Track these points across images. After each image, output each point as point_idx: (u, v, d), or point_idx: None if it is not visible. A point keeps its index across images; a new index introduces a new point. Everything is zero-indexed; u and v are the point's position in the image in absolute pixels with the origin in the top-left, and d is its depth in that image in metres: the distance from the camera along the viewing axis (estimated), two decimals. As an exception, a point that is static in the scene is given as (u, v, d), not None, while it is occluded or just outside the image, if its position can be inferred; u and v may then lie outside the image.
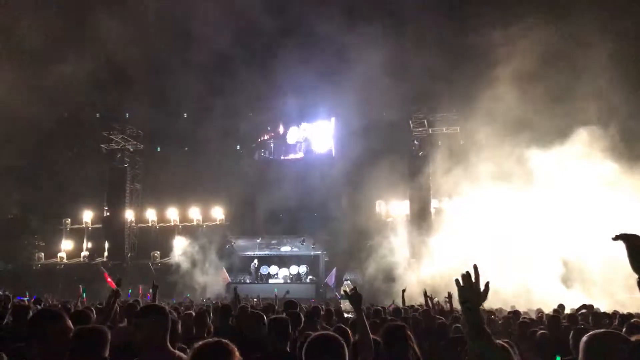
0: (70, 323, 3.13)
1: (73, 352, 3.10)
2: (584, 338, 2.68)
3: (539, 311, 10.89)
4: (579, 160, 19.14)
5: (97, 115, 26.90)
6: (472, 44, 22.70)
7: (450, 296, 9.11)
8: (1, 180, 23.33)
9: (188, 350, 2.65)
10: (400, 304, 10.37)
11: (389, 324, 4.14)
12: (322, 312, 7.41)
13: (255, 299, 18.37)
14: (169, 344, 3.27)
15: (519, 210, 21.33)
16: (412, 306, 10.47)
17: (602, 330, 2.84)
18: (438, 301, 9.44)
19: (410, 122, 25.28)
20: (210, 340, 2.51)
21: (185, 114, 26.93)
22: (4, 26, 21.01)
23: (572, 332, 5.03)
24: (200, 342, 2.48)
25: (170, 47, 24.02)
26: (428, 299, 9.19)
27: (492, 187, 22.20)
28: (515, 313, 9.26)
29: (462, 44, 24.40)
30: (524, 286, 18.34)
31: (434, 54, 22.76)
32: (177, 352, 3.34)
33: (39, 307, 7.17)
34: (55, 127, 23.47)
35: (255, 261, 27.78)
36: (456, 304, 9.35)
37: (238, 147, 28.37)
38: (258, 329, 5.03)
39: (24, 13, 20.89)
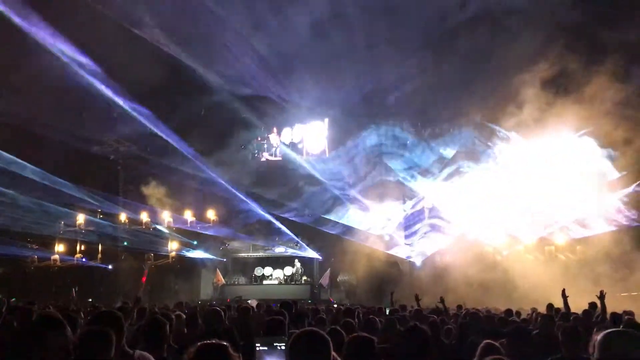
0: (69, 331, 3.14)
1: (79, 353, 3.13)
2: (600, 336, 2.69)
3: (533, 310, 10.93)
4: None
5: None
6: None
7: (442, 300, 9.20)
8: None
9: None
10: (390, 306, 10.43)
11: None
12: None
13: (249, 301, 18.38)
14: (126, 345, 3.31)
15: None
16: (404, 307, 10.50)
17: (617, 329, 2.86)
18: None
19: (403, 123, 25.38)
20: (210, 341, 2.51)
21: (177, 117, 26.68)
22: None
23: (562, 329, 5.09)
24: (199, 343, 2.48)
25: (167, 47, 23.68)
26: (419, 302, 9.27)
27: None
28: (507, 312, 9.31)
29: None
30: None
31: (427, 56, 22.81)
32: (137, 351, 3.38)
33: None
34: (46, 129, 23.18)
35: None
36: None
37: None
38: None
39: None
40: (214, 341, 2.52)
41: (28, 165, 22.51)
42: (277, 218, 27.27)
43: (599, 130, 19.57)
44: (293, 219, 27.10)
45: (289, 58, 24.43)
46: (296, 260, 27.70)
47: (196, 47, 23.86)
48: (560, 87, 19.66)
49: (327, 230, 26.10)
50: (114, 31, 20.62)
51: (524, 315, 10.67)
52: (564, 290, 8.84)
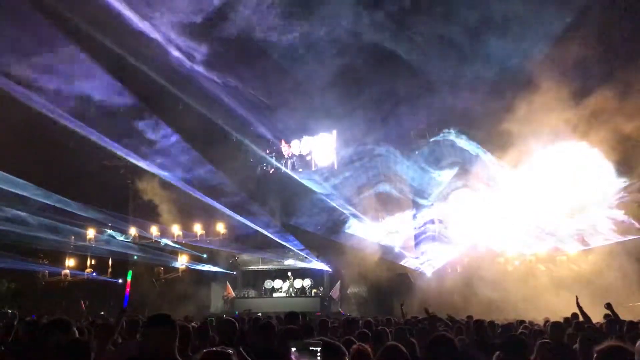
0: (73, 332, 3.15)
1: None
2: (597, 351, 2.69)
3: (546, 320, 10.84)
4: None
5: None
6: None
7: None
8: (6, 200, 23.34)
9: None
10: (402, 318, 10.37)
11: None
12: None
13: (260, 314, 18.31)
14: (177, 354, 3.23)
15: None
16: (416, 317, 10.44)
17: (612, 343, 2.85)
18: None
19: (411, 132, 25.40)
20: (214, 349, 2.53)
21: (185, 130, 26.85)
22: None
23: (579, 339, 5.04)
24: (204, 351, 2.50)
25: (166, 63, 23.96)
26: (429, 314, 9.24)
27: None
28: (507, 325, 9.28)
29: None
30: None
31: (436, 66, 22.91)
32: None
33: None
34: (56, 144, 23.40)
35: None
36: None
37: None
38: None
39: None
40: (217, 349, 2.55)
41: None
42: (286, 230, 27.26)
43: (606, 142, 19.53)
44: (302, 230, 27.05)
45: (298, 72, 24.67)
46: (289, 274, 27.53)
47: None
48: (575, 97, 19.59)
49: (337, 242, 25.98)
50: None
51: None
52: (577, 299, 8.76)
